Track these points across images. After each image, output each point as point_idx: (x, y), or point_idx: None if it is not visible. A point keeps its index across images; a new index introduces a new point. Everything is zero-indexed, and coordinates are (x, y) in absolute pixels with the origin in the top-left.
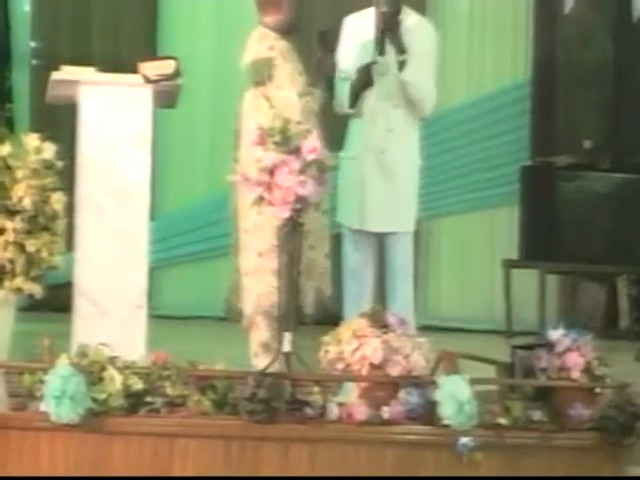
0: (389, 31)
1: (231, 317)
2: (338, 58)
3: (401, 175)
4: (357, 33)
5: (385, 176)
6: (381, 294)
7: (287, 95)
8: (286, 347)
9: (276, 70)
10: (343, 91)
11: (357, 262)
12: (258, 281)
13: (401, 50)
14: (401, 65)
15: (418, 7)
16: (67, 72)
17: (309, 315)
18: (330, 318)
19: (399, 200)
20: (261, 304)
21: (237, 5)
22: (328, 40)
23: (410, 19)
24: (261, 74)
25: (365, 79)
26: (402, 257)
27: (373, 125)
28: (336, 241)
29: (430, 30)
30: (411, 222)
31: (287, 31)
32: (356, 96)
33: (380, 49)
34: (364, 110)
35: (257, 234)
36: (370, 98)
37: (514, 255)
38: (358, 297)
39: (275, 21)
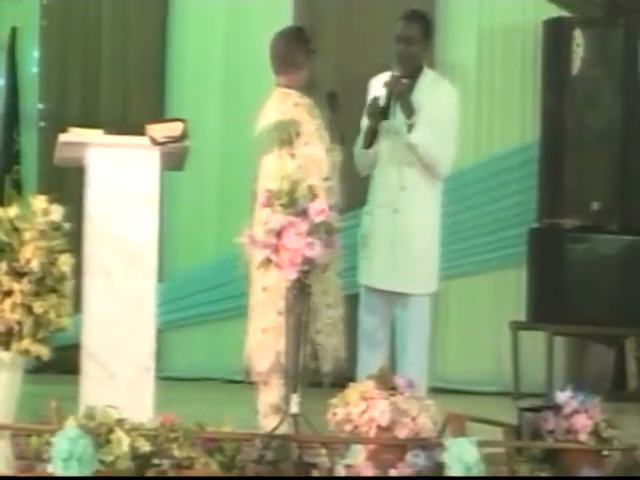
0: (397, 94)
1: (249, 377)
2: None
3: (415, 235)
4: (376, 95)
5: (397, 234)
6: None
7: (315, 151)
8: (293, 409)
9: (303, 127)
10: (360, 155)
11: (370, 323)
12: (277, 339)
13: (409, 114)
14: (410, 128)
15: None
16: (75, 134)
17: (326, 374)
18: (345, 380)
19: (411, 260)
20: (279, 362)
21: (245, 68)
22: (336, 100)
23: (427, 79)
24: (288, 133)
25: (373, 118)
26: (415, 320)
27: (386, 182)
28: (354, 302)
29: (448, 90)
30: (425, 284)
31: (305, 89)
32: (370, 135)
33: (385, 113)
34: (377, 167)
35: (277, 292)
36: (383, 155)
37: (522, 317)
38: (371, 359)
39: (293, 80)
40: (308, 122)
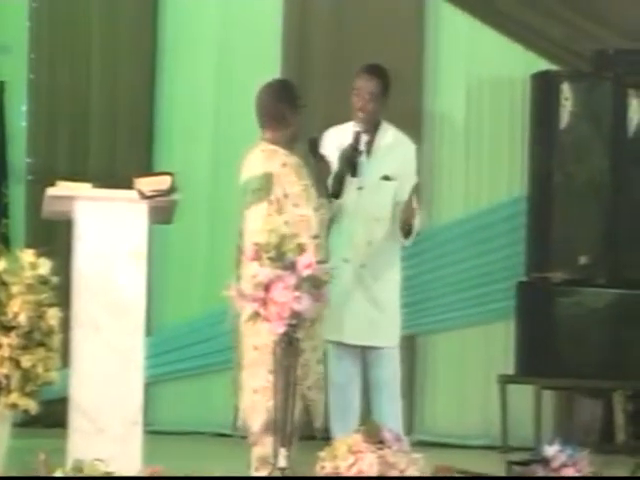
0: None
1: (237, 434)
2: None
3: (381, 289)
4: (337, 146)
5: (364, 289)
6: (368, 409)
7: (304, 212)
8: (281, 463)
9: (290, 188)
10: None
11: (342, 376)
12: (269, 398)
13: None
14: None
15: (414, 123)
16: (63, 188)
17: (319, 430)
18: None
19: (379, 314)
20: (271, 421)
21: (234, 121)
22: (318, 146)
23: (388, 134)
24: (276, 194)
25: (347, 165)
26: (388, 373)
27: (353, 237)
28: None
29: (410, 145)
30: (395, 336)
31: (291, 144)
32: (340, 185)
33: (353, 170)
34: (343, 221)
35: (268, 351)
36: (349, 209)
37: (510, 370)
38: (344, 412)
39: (280, 136)
40: (295, 183)
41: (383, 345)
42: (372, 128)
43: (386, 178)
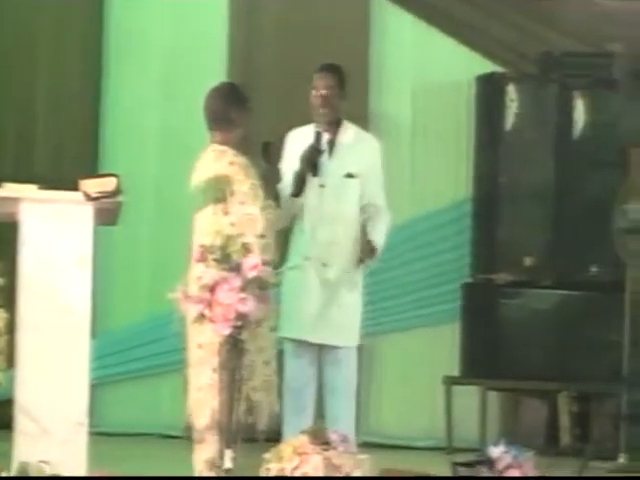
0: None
1: (189, 433)
2: (282, 172)
3: (343, 289)
4: (299, 148)
5: (325, 288)
6: (322, 410)
7: (250, 210)
8: (227, 464)
9: (237, 186)
10: (286, 204)
11: (298, 377)
12: (213, 396)
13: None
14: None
15: (360, 125)
16: (8, 189)
17: (262, 432)
18: (280, 435)
19: (339, 314)
20: (215, 419)
21: (180, 123)
22: (271, 151)
23: (350, 132)
24: (222, 190)
25: (307, 165)
26: (345, 374)
27: (315, 237)
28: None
29: (373, 141)
30: (354, 337)
31: (240, 146)
32: (300, 183)
33: (314, 170)
34: (305, 221)
35: (212, 349)
36: (311, 209)
37: (455, 372)
38: (298, 413)
39: (228, 138)
40: (243, 181)
41: (343, 344)
42: (333, 127)
43: (349, 176)
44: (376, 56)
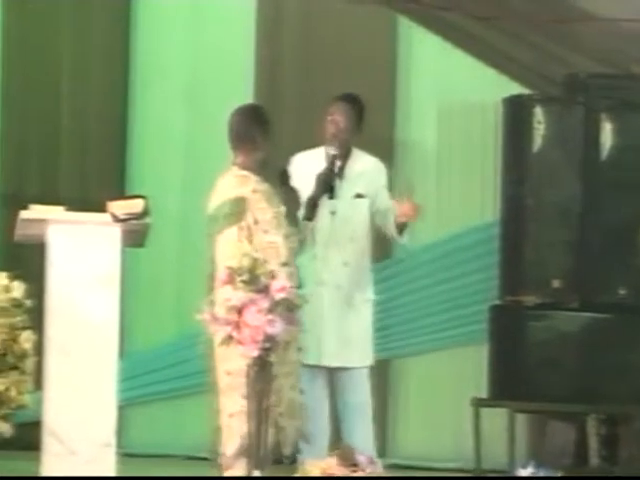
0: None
1: (214, 458)
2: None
3: (355, 310)
4: (307, 172)
5: (339, 311)
6: (337, 432)
7: (274, 238)
8: None
9: (261, 215)
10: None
11: (313, 399)
12: (243, 423)
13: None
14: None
15: (386, 150)
16: (36, 211)
17: (287, 457)
18: None
19: (353, 335)
20: (244, 445)
21: (206, 143)
22: (289, 177)
23: (361, 161)
24: (247, 219)
25: (324, 187)
26: (360, 394)
27: (328, 259)
28: None
29: (381, 166)
30: (369, 357)
31: (261, 169)
32: (314, 206)
33: (330, 192)
34: (317, 245)
35: (241, 376)
36: (324, 232)
37: (481, 394)
38: (314, 435)
39: (250, 160)
40: (266, 210)
41: (356, 366)
42: (343, 154)
43: (359, 196)
44: (402, 79)
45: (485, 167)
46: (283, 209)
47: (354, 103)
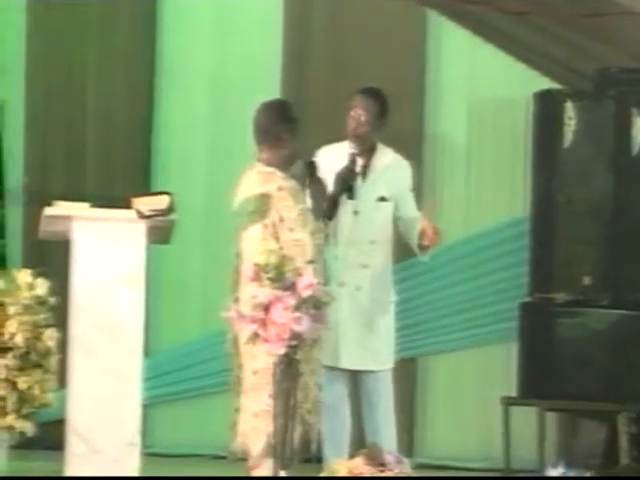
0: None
1: (232, 456)
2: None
3: (376, 312)
4: (331, 167)
5: (359, 312)
6: (359, 432)
7: (300, 237)
8: None
9: (287, 212)
10: None
11: (334, 399)
12: (269, 422)
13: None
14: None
15: (415, 145)
16: (60, 207)
17: (315, 455)
18: None
19: (374, 338)
20: (270, 445)
21: (232, 139)
22: (315, 171)
23: (386, 159)
24: (272, 217)
25: (343, 187)
26: (382, 396)
27: (348, 260)
28: None
29: (406, 165)
30: (390, 359)
31: (288, 166)
32: (334, 205)
33: (349, 192)
34: (337, 245)
35: (267, 375)
36: (344, 233)
37: (510, 392)
38: (336, 435)
39: (276, 156)
40: (292, 207)
41: (378, 369)
42: (367, 150)
43: (382, 199)
44: (432, 73)
45: (515, 162)
46: (309, 206)
47: (376, 97)
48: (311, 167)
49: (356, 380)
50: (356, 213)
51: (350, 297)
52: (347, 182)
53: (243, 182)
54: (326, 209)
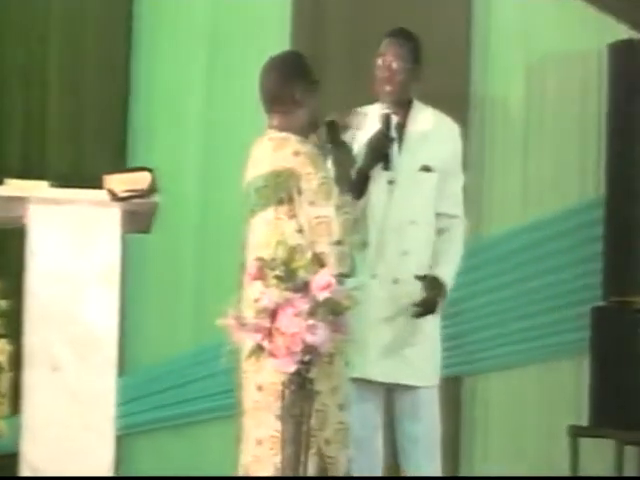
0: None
1: None
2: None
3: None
4: (361, 136)
5: (398, 312)
6: (395, 464)
7: (323, 211)
8: None
9: (305, 182)
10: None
11: (364, 425)
12: (276, 451)
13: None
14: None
15: (459, 109)
16: (13, 187)
17: None
18: None
19: (416, 345)
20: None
21: (231, 104)
22: (337, 132)
23: (424, 116)
24: (287, 188)
25: (376, 156)
26: (425, 421)
27: (383, 247)
28: None
29: (455, 128)
30: (432, 374)
31: (306, 132)
32: (364, 180)
33: (385, 162)
34: (371, 228)
35: (274, 392)
36: (377, 213)
37: (581, 420)
38: (368, 466)
39: (291, 121)
40: (312, 175)
41: (419, 384)
42: (403, 108)
43: (426, 169)
44: (479, 23)
45: (585, 132)
46: (332, 173)
47: (409, 39)
48: (332, 128)
49: (391, 399)
50: (392, 184)
51: (385, 292)
52: (382, 150)
53: (253, 154)
54: (353, 185)
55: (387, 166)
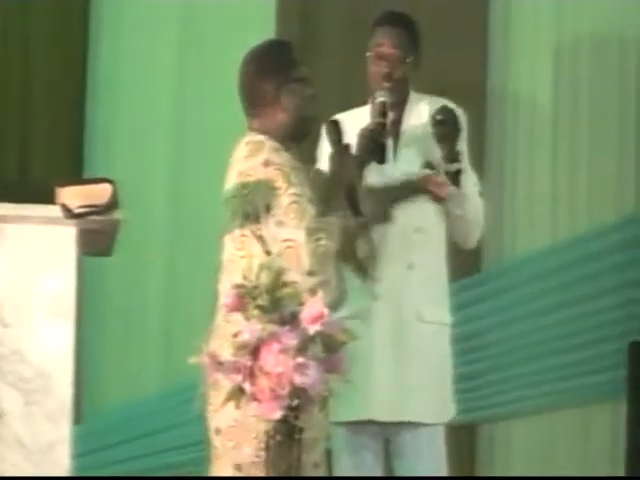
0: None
1: None
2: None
3: (425, 336)
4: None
5: (401, 338)
6: None
7: (292, 234)
8: None
9: (275, 198)
10: None
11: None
12: None
13: (452, 156)
14: (455, 176)
15: (475, 104)
16: None
17: None
18: None
19: (422, 375)
20: None
21: (207, 102)
22: (340, 133)
23: (422, 107)
24: (253, 203)
25: (368, 148)
26: (427, 464)
27: (385, 260)
28: None
29: (462, 124)
30: (443, 409)
31: (293, 136)
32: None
33: (380, 155)
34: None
35: (234, 438)
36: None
37: (620, 472)
38: None
39: (270, 122)
40: (281, 191)
41: (423, 421)
42: (400, 102)
43: (429, 166)
44: (499, 1)
45: (623, 130)
46: (308, 191)
47: (405, 24)
48: (334, 129)
49: (388, 444)
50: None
51: (386, 315)
52: (376, 140)
53: (232, 159)
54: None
55: (382, 159)
